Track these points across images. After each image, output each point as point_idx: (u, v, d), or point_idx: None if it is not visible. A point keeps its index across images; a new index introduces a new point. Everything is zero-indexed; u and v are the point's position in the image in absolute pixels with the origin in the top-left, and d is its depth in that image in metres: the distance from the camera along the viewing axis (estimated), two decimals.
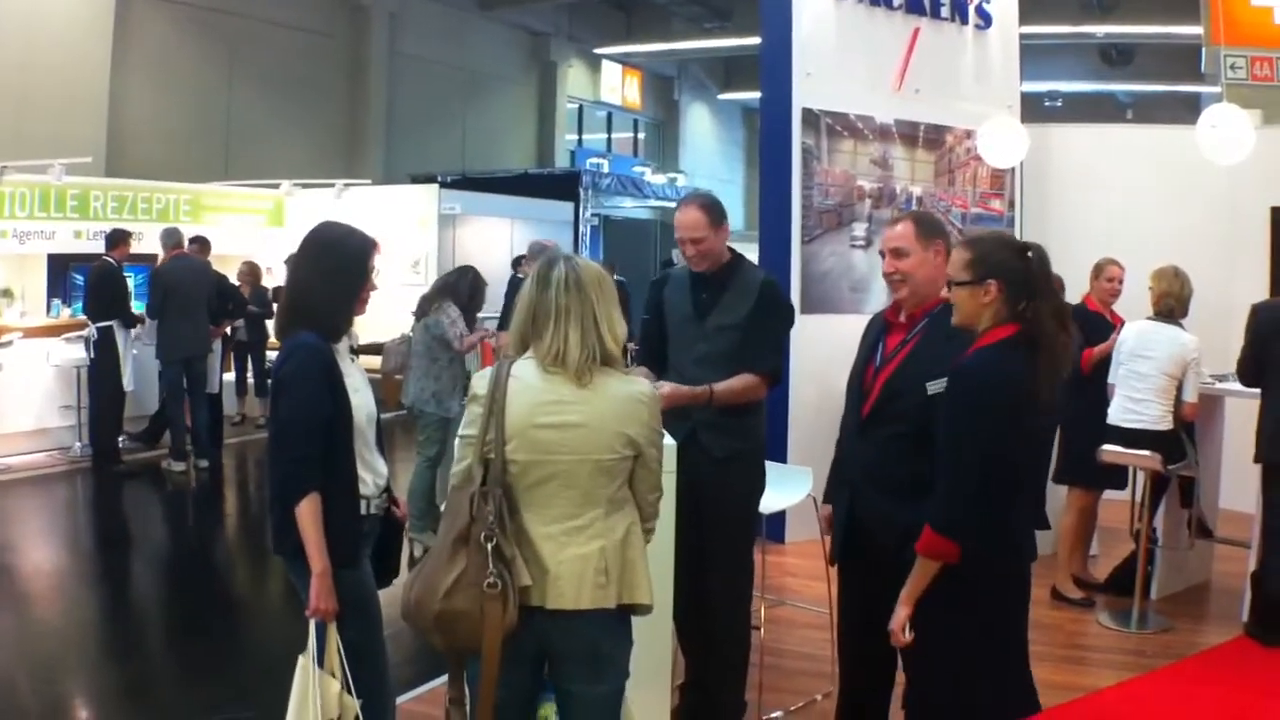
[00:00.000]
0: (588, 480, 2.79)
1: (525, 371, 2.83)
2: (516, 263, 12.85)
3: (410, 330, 7.59)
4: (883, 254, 3.63)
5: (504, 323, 7.75)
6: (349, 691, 3.16)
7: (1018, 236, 6.34)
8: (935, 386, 3.29)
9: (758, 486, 4.35)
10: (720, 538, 4.13)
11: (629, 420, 2.82)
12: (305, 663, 3.12)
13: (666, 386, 3.87)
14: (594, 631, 2.81)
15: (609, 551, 2.81)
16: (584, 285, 2.83)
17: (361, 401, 3.34)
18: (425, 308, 7.31)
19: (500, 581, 2.73)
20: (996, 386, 3.01)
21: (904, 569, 3.16)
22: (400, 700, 4.63)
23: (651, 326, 4.46)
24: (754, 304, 4.15)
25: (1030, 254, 3.13)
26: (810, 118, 7.53)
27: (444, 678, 4.76)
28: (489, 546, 2.74)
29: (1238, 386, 6.35)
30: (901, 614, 3.11)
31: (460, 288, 7.40)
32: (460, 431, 2.92)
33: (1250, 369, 5.72)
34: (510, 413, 2.78)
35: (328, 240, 3.42)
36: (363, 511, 3.34)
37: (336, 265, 3.36)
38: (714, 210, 4.21)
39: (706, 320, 4.21)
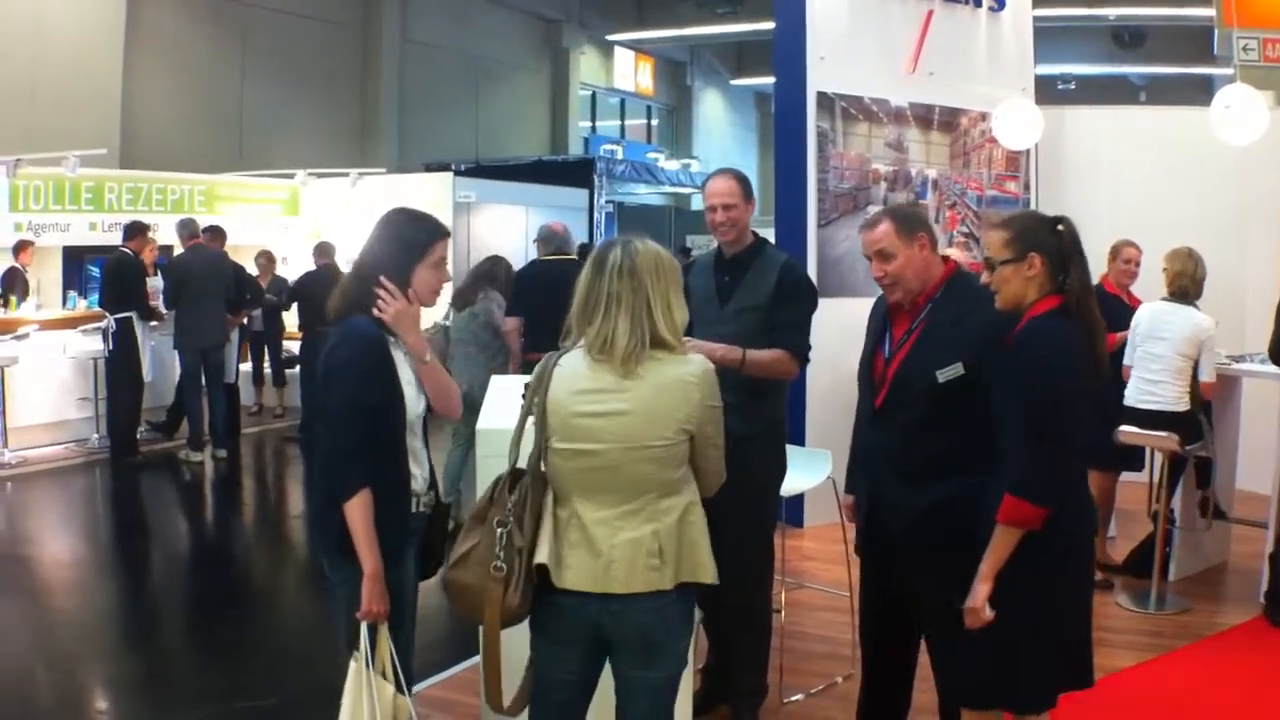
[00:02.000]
0: (638, 467, 2.73)
1: (572, 361, 2.79)
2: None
3: (446, 320, 7.61)
4: (868, 257, 3.53)
5: (510, 309, 7.66)
6: (402, 692, 3.06)
7: None
8: (945, 374, 3.29)
9: (777, 470, 4.35)
10: (740, 521, 4.09)
11: (679, 404, 2.74)
12: (357, 666, 3.00)
13: (698, 343, 3.74)
14: (646, 618, 2.75)
15: (663, 534, 2.74)
16: (638, 271, 2.74)
17: (415, 395, 3.20)
18: (469, 297, 7.37)
19: (506, 567, 2.73)
20: (1062, 351, 3.02)
21: (924, 553, 3.15)
22: (426, 685, 4.68)
23: None
24: (775, 286, 4.16)
25: (1061, 227, 3.17)
26: (825, 101, 7.52)
27: (468, 663, 4.88)
28: (500, 532, 2.75)
29: (1254, 366, 6.35)
30: (982, 590, 3.00)
31: (497, 275, 7.51)
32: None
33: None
34: (551, 402, 2.75)
35: (392, 224, 3.25)
36: (412, 509, 3.20)
37: (394, 251, 3.19)
38: (746, 183, 4.30)
39: (728, 303, 4.22)
